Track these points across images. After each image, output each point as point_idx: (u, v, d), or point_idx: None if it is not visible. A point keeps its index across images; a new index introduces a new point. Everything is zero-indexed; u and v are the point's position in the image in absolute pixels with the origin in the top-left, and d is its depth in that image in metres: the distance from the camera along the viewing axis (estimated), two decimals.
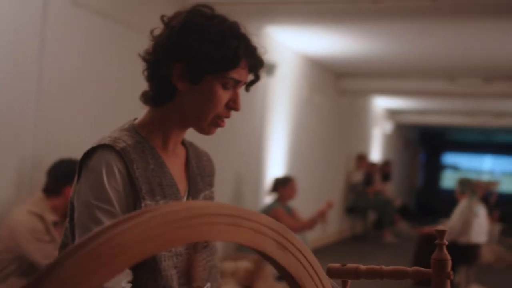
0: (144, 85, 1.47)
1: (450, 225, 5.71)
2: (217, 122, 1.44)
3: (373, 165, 10.60)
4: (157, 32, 1.43)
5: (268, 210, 5.33)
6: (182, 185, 1.49)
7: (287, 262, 0.88)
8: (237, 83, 1.42)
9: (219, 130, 1.48)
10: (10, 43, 3.32)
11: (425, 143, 18.57)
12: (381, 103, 11.94)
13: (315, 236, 7.59)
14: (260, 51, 1.44)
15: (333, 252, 8.00)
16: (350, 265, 1.22)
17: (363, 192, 9.81)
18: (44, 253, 3.01)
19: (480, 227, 5.77)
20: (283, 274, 0.91)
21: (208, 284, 1.48)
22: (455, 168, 18.93)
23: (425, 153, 18.86)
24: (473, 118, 13.25)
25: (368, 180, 10.06)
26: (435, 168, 19.05)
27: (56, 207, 3.19)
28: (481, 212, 5.90)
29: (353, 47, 7.09)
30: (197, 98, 1.41)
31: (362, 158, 10.23)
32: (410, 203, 15.59)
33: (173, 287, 1.38)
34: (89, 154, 1.38)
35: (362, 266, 1.23)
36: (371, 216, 10.55)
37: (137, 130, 1.45)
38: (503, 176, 17.12)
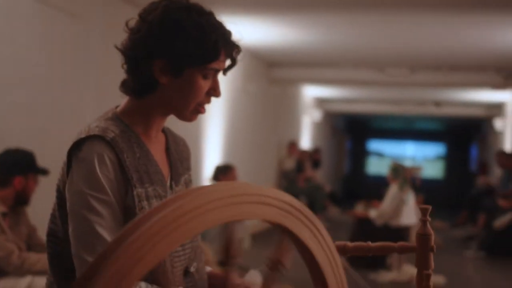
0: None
1: (382, 209, 5.95)
2: (199, 109, 1.49)
3: (304, 152, 10.83)
4: (132, 24, 1.44)
5: None
6: (165, 170, 1.52)
7: (305, 237, 0.96)
8: (216, 72, 1.47)
9: None
10: None
11: (351, 131, 19.07)
12: (311, 92, 12.17)
13: (252, 222, 7.70)
14: (235, 37, 1.47)
15: (272, 238, 8.12)
16: (338, 242, 1.29)
17: (295, 179, 10.01)
18: None
19: (410, 211, 6.04)
20: (302, 250, 0.98)
21: (195, 264, 1.53)
22: (379, 154, 19.52)
23: (351, 140, 19.37)
24: (396, 106, 13.73)
25: (299, 167, 10.26)
26: (360, 155, 19.59)
27: (5, 198, 3.13)
28: (410, 196, 6.19)
29: (285, 36, 7.20)
30: (179, 90, 1.44)
31: (293, 145, 10.42)
32: (338, 189, 16.00)
33: (166, 269, 1.42)
34: (79, 144, 1.39)
35: (349, 243, 1.32)
36: (302, 202, 10.77)
37: (121, 119, 1.47)
38: (424, 161, 17.84)
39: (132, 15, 1.47)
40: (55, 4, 4.01)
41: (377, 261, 5.89)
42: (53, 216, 1.47)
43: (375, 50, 7.98)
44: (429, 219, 1.25)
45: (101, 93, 4.54)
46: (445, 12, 5.69)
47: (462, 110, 13.50)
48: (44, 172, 3.30)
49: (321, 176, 12.30)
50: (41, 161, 3.39)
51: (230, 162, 6.44)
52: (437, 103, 12.98)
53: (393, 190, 5.97)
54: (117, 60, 1.49)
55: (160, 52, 1.40)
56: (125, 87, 1.48)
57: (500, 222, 7.61)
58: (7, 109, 3.62)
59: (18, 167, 3.17)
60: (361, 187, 17.48)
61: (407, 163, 15.96)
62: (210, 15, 1.44)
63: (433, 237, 1.24)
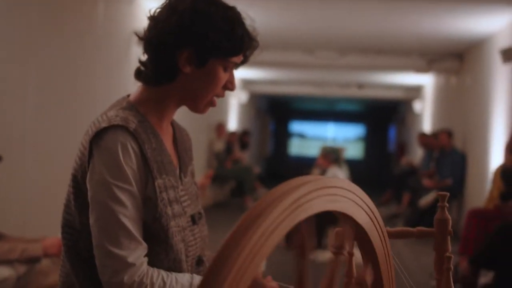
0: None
1: None
2: (213, 101, 1.51)
3: (232, 134, 10.90)
4: (158, 12, 1.45)
5: None
6: (174, 160, 1.54)
7: (374, 235, 1.01)
8: (235, 66, 1.50)
9: None
10: None
11: (274, 112, 19.29)
12: (237, 74, 12.18)
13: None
14: (254, 34, 1.51)
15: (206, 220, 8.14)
16: None
17: (225, 160, 10.08)
18: None
19: None
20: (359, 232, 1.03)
21: (208, 253, 1.56)
22: (301, 136, 19.89)
23: (274, 121, 19.60)
24: (320, 88, 14.00)
25: (229, 149, 10.33)
26: (283, 136, 19.88)
27: None
28: (345, 176, 6.39)
29: None
30: (200, 80, 1.46)
31: (221, 127, 10.46)
32: (262, 170, 16.20)
33: (182, 259, 1.45)
34: (101, 134, 1.38)
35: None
36: (231, 184, 10.87)
37: (137, 109, 1.47)
38: (345, 142, 18.35)
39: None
40: None
41: (315, 241, 6.06)
42: (67, 206, 1.45)
43: (305, 33, 8.10)
44: (447, 205, 1.32)
45: (43, 75, 4.40)
46: None
47: (382, 92, 13.94)
48: None
49: (248, 158, 12.42)
50: None
51: None
52: (360, 86, 13.35)
53: (330, 172, 6.13)
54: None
55: (189, 42, 1.41)
56: (141, 75, 1.48)
57: (425, 200, 7.98)
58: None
59: None
60: (284, 167, 17.77)
61: (330, 144, 16.40)
62: (235, 11, 1.47)
63: (450, 222, 1.31)
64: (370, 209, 1.04)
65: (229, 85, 1.51)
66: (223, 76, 1.47)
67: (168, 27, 1.42)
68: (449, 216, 1.32)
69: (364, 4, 6.20)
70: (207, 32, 1.41)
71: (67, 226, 1.45)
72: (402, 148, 14.59)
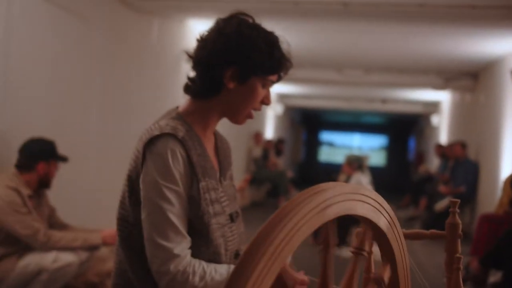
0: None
1: None
2: (251, 114, 1.53)
3: (269, 142, 10.90)
4: (206, 35, 1.47)
5: None
6: (215, 166, 1.55)
7: (391, 237, 1.00)
8: (272, 83, 1.51)
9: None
10: None
11: (306, 123, 19.23)
12: (275, 88, 12.21)
13: None
14: (289, 56, 1.52)
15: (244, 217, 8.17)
16: None
17: (262, 165, 10.09)
18: (22, 223, 2.92)
19: None
20: (378, 236, 1.02)
21: (243, 248, 1.56)
22: (330, 144, 19.77)
23: (306, 131, 19.55)
24: (348, 102, 13.91)
25: (265, 154, 10.34)
26: (314, 145, 19.80)
27: (29, 181, 3.09)
28: (368, 182, 6.32)
29: None
30: (241, 95, 1.47)
31: (258, 135, 10.49)
32: (294, 174, 16.16)
33: (221, 252, 1.46)
34: (153, 141, 1.40)
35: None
36: (267, 186, 10.87)
37: (184, 119, 1.49)
38: (369, 151, 18.17)
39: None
40: (64, 6, 3.93)
41: (339, 239, 6.00)
42: (122, 203, 1.47)
43: (334, 53, 8.08)
44: (458, 210, 1.30)
45: (105, 88, 4.49)
46: (395, 22, 5.81)
47: (404, 107, 13.76)
48: (64, 159, 3.27)
49: (283, 163, 12.40)
50: (59, 147, 3.35)
51: None
52: (384, 100, 13.21)
53: (354, 178, 6.06)
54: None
55: (235, 61, 1.43)
56: (190, 89, 1.50)
57: (440, 205, 7.84)
58: (28, 104, 3.55)
59: (42, 154, 3.13)
60: (314, 172, 17.69)
61: (356, 152, 16.26)
62: (274, 35, 1.48)
63: (460, 226, 1.29)
64: (389, 214, 1.03)
65: (266, 100, 1.52)
66: (261, 92, 1.49)
67: (216, 48, 1.44)
68: (459, 221, 1.30)
69: (387, 28, 6.15)
70: (250, 53, 1.43)
71: (122, 220, 1.47)
72: (421, 157, 14.36)
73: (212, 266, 1.41)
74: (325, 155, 19.47)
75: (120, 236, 1.47)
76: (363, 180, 6.22)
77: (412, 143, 18.18)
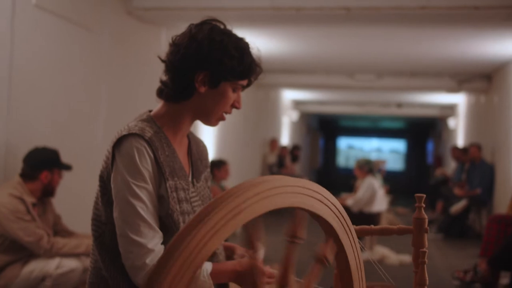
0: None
1: (358, 197, 6.03)
2: (222, 117, 1.56)
3: (284, 148, 10.90)
4: (179, 40, 1.49)
5: None
6: (186, 168, 1.57)
7: (339, 229, 1.01)
8: (242, 88, 1.54)
9: None
10: None
11: (323, 129, 19.18)
12: (289, 95, 12.24)
13: None
14: (259, 62, 1.55)
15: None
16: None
17: (278, 172, 10.08)
18: (26, 231, 2.98)
19: (380, 199, 6.13)
20: (323, 225, 1.03)
21: (220, 247, 1.58)
22: (348, 150, 19.66)
23: (324, 137, 19.49)
24: (363, 107, 13.85)
25: (280, 161, 10.34)
26: (331, 150, 19.73)
27: (33, 190, 3.14)
28: (379, 185, 6.28)
29: (268, 46, 7.24)
30: (212, 99, 1.51)
31: (274, 142, 10.49)
32: (312, 180, 16.08)
33: None
34: (121, 141, 1.43)
35: (355, 226, 1.37)
36: None
37: (154, 121, 1.51)
38: (387, 156, 18.03)
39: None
40: (71, 19, 4.01)
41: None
42: (96, 203, 1.51)
43: (345, 59, 8.06)
44: (424, 205, 1.30)
45: (112, 98, 4.55)
46: (408, 27, 5.78)
47: (420, 111, 13.66)
48: (68, 167, 3.32)
49: (298, 169, 12.38)
50: (63, 156, 3.40)
51: (222, 157, 6.47)
52: (399, 105, 13.12)
53: (367, 181, 6.03)
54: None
55: (206, 66, 1.46)
56: (162, 93, 1.53)
57: (456, 208, 7.75)
58: (33, 113, 3.62)
59: (45, 163, 3.18)
60: (333, 178, 17.63)
61: (373, 157, 16.16)
62: (244, 41, 1.51)
63: (426, 221, 1.29)
64: (336, 207, 1.04)
65: (236, 104, 1.55)
66: (232, 96, 1.52)
67: (188, 53, 1.47)
68: (425, 216, 1.30)
69: (397, 31, 6.11)
70: (222, 59, 1.46)
71: (95, 220, 1.50)
72: (439, 161, 14.21)
73: None
74: (343, 160, 19.38)
75: (94, 235, 1.50)
76: (376, 183, 6.17)
77: (430, 147, 18.00)
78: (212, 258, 1.55)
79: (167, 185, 1.44)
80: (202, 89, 1.49)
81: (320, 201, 0.97)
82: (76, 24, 4.08)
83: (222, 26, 1.51)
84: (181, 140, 1.58)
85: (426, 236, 1.29)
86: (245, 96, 8.34)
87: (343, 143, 19.89)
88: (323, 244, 1.02)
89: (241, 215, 0.81)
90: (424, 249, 1.27)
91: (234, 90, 1.52)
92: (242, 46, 1.49)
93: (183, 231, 0.76)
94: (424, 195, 1.30)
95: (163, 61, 1.52)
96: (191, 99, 1.51)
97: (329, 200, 1.00)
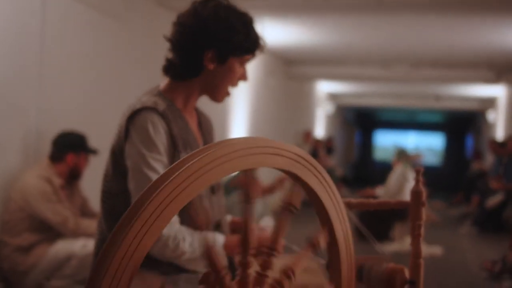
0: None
1: (387, 188, 5.97)
2: (228, 92, 1.58)
3: (318, 140, 10.85)
4: (183, 18, 1.50)
5: (234, 177, 5.45)
6: (198, 139, 1.60)
7: (314, 184, 1.02)
8: (248, 61, 1.56)
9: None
10: (14, 28, 3.32)
11: (359, 122, 19.00)
12: (324, 87, 12.17)
13: (274, 200, 7.76)
14: (263, 37, 1.57)
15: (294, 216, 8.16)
16: (343, 199, 1.34)
17: None
18: (53, 211, 3.07)
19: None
20: (310, 195, 1.04)
21: (225, 218, 1.61)
22: (384, 143, 19.42)
23: (360, 130, 19.31)
24: (400, 100, 13.64)
25: (314, 153, 10.29)
26: (368, 144, 19.53)
27: (61, 172, 3.24)
28: (411, 177, 6.19)
29: (301, 37, 7.22)
30: (221, 75, 1.54)
31: (308, 134, 10.46)
32: (349, 174, 15.99)
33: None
34: (135, 114, 1.47)
35: (353, 199, 1.38)
36: None
37: (164, 96, 1.54)
38: (425, 150, 17.73)
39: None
40: (101, 8, 4.09)
41: (381, 233, 5.92)
42: (106, 175, 1.54)
43: (379, 49, 7.96)
44: (422, 179, 1.30)
45: (141, 86, 4.62)
46: (444, 15, 5.67)
47: (459, 104, 13.38)
48: (94, 151, 3.40)
49: (333, 162, 12.31)
50: (92, 142, 3.49)
51: None
52: (437, 97, 12.88)
53: (397, 171, 5.98)
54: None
55: (214, 44, 1.49)
56: (170, 71, 1.55)
57: (492, 201, 7.58)
58: (63, 101, 3.72)
59: (71, 146, 3.27)
60: (368, 171, 17.45)
61: (410, 151, 15.92)
62: (249, 16, 1.53)
63: (424, 194, 1.29)
64: (322, 175, 1.04)
65: (243, 78, 1.57)
66: (239, 70, 1.55)
67: (195, 32, 1.49)
68: (423, 189, 1.29)
69: (433, 20, 6.00)
70: (228, 35, 1.48)
71: (106, 192, 1.54)
72: (478, 155, 13.89)
73: (197, 234, 1.46)
74: (380, 153, 19.15)
75: (104, 207, 1.54)
76: (409, 173, 6.10)
77: (470, 141, 17.62)
78: (218, 230, 1.57)
79: (180, 156, 1.47)
80: (211, 66, 1.51)
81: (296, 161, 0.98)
82: (107, 14, 4.16)
83: (225, 2, 1.52)
84: (191, 114, 1.61)
85: (423, 209, 1.28)
86: (278, 87, 8.39)
87: (380, 136, 19.65)
88: (288, 192, 1.02)
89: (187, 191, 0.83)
90: (420, 222, 1.26)
91: (241, 65, 1.55)
92: (247, 20, 1.51)
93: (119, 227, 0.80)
94: (422, 168, 1.30)
95: (168, 40, 1.54)
96: (199, 76, 1.54)
97: (309, 162, 1.00)
